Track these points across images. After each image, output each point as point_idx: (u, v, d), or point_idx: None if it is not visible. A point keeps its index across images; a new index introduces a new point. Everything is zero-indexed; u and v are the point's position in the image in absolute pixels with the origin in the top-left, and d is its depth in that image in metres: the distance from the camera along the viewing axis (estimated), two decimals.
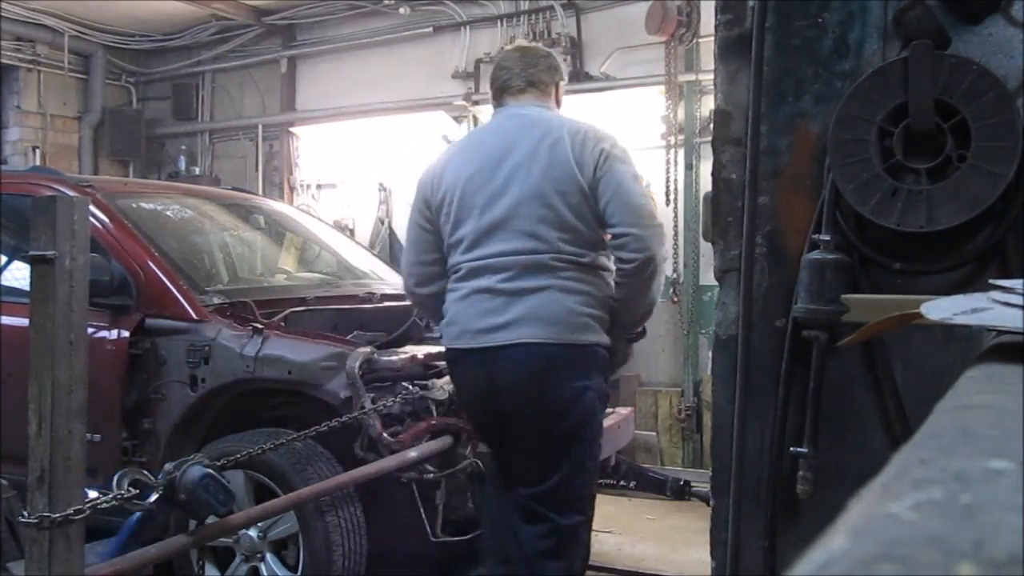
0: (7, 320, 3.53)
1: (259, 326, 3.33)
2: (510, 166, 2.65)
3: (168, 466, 2.54)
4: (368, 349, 3.19)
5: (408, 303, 3.41)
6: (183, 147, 8.28)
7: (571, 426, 2.63)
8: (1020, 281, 0.93)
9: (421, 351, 3.32)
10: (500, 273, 2.59)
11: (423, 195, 2.79)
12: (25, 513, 2.16)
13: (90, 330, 2.61)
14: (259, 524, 3.11)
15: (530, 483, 2.69)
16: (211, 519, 2.59)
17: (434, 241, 2.77)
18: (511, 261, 2.59)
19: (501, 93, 2.87)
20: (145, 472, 2.57)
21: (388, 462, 3.00)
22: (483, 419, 2.80)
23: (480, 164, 2.69)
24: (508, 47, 3.42)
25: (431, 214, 2.75)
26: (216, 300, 3.56)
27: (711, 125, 2.56)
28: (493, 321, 2.57)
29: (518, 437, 2.68)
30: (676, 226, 5.91)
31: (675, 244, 5.93)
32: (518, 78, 2.85)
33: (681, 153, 5.96)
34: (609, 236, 2.69)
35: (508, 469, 2.82)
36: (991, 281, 1.00)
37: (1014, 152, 1.87)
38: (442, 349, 3.35)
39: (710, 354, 3.81)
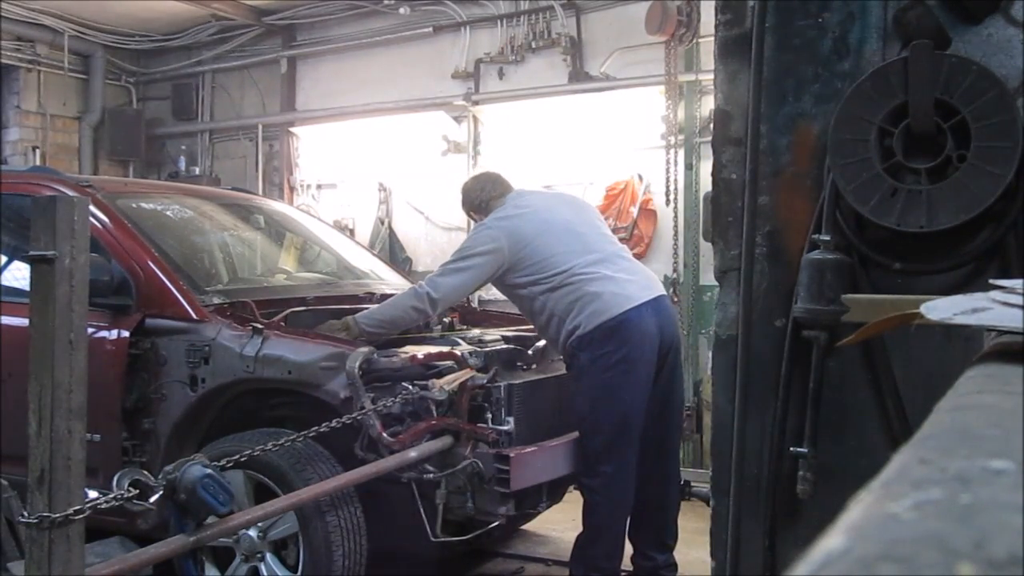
0: (7, 320, 3.53)
1: (259, 326, 3.33)
2: None
3: (168, 467, 2.54)
4: (368, 349, 3.19)
5: None
6: (183, 147, 8.28)
7: None
8: (1020, 281, 0.93)
9: (421, 351, 3.32)
10: None
11: None
12: (25, 513, 2.16)
13: (90, 330, 2.61)
14: (259, 524, 3.11)
15: None
16: (211, 519, 2.59)
17: None
18: None
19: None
20: (145, 472, 2.57)
21: (388, 462, 3.00)
22: None
23: None
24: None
25: None
26: (216, 300, 3.56)
27: (711, 125, 2.57)
28: None
29: None
30: (676, 226, 5.91)
31: (675, 244, 5.93)
32: None
33: (681, 153, 5.95)
34: None
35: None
36: (991, 281, 1.00)
37: (1014, 152, 1.87)
38: (442, 349, 3.37)
39: (710, 354, 3.81)
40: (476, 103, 6.82)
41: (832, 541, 0.34)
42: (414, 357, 3.23)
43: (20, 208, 3.69)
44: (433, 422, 3.10)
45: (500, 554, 4.29)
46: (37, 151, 7.64)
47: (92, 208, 3.18)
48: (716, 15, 2.31)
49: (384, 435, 3.05)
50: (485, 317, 4.56)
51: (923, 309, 0.89)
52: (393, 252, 7.02)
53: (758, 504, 2.18)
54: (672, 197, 5.92)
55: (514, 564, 4.19)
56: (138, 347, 3.44)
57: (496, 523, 3.39)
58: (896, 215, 1.97)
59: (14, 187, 3.87)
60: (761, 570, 2.17)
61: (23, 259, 3.60)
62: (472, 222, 3.87)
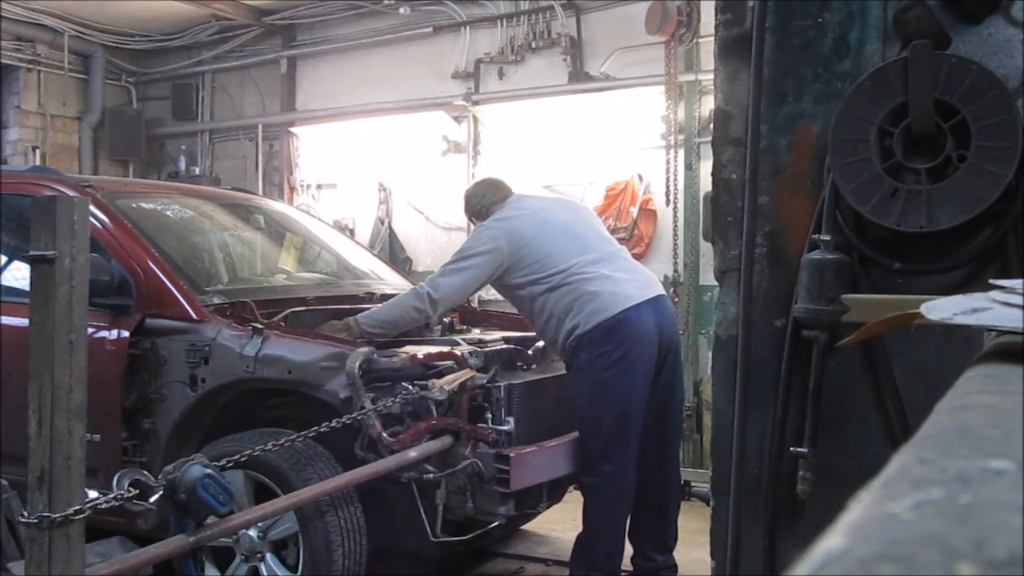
0: (7, 320, 3.52)
1: (259, 326, 3.33)
2: None
3: (168, 467, 2.54)
4: (368, 349, 3.19)
5: None
6: (183, 147, 8.28)
7: None
8: (1020, 281, 0.93)
9: (421, 351, 3.32)
10: None
11: None
12: (25, 513, 2.16)
13: (90, 330, 2.61)
14: (259, 524, 3.11)
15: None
16: (211, 519, 2.59)
17: None
18: None
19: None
20: (145, 472, 2.57)
21: (388, 462, 3.00)
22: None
23: None
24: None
25: None
26: (216, 300, 3.55)
27: (711, 125, 2.57)
28: None
29: None
30: (676, 226, 5.91)
31: (675, 244, 5.93)
32: None
33: (681, 153, 5.95)
34: None
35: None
36: (991, 281, 1.00)
37: (1014, 152, 1.87)
38: (442, 349, 3.37)
39: (710, 354, 3.81)
40: (476, 103, 6.82)
41: (832, 541, 0.34)
42: (414, 357, 3.23)
43: (20, 208, 3.69)
44: (433, 422, 3.10)
45: (500, 554, 4.29)
46: (37, 151, 7.64)
47: (92, 208, 3.18)
48: (716, 15, 2.31)
49: (384, 435, 3.05)
50: (485, 317, 4.56)
51: (923, 309, 0.89)
52: (393, 252, 7.02)
53: (758, 504, 2.18)
54: (672, 197, 5.92)
55: (514, 564, 4.19)
56: (138, 347, 3.44)
57: (496, 523, 3.39)
58: (896, 215, 1.97)
59: (14, 187, 3.87)
60: (761, 570, 2.17)
61: (23, 259, 3.60)
62: (473, 226, 3.88)
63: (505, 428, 3.23)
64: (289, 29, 7.80)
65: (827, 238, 2.02)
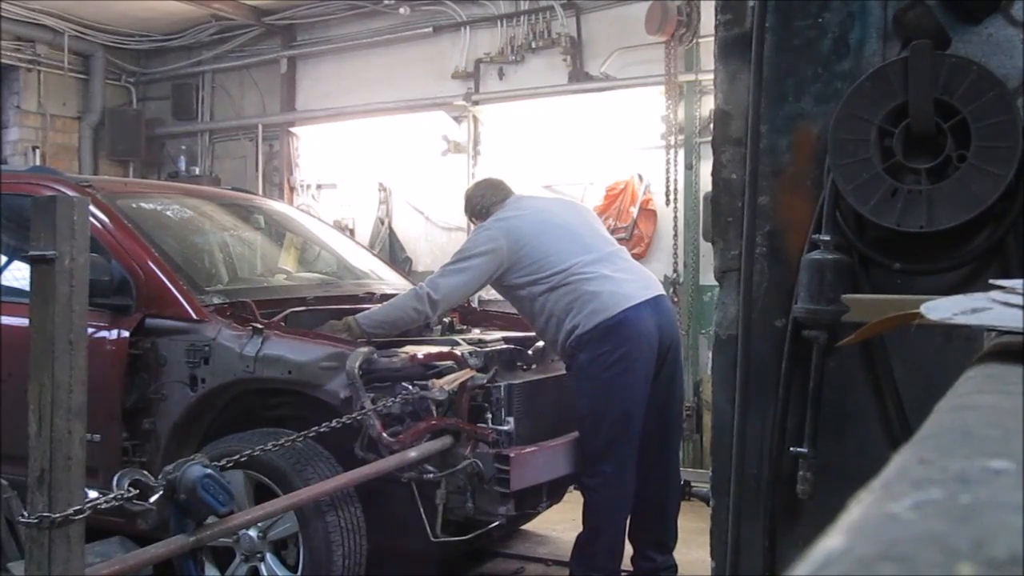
0: (7, 320, 3.52)
1: (259, 326, 3.33)
2: None
3: (168, 467, 2.54)
4: (368, 349, 3.19)
5: None
6: (183, 147, 8.27)
7: None
8: (1020, 281, 0.93)
9: (421, 351, 3.32)
10: None
11: None
12: (25, 513, 2.16)
13: (90, 330, 2.61)
14: (259, 524, 3.11)
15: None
16: (211, 519, 2.59)
17: None
18: None
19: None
20: (145, 472, 2.57)
21: (388, 462, 3.00)
22: None
23: None
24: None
25: None
26: (216, 300, 3.56)
27: (711, 125, 2.57)
28: None
29: None
30: (676, 226, 5.91)
31: (675, 244, 5.93)
32: None
33: (681, 153, 5.95)
34: None
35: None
36: (991, 281, 1.00)
37: (1014, 152, 1.87)
38: (442, 349, 3.37)
39: (710, 354, 3.81)
40: (476, 103, 6.82)
41: (832, 541, 0.34)
42: (414, 357, 3.23)
43: (20, 208, 3.69)
44: (433, 422, 3.10)
45: (500, 554, 4.29)
46: (37, 151, 7.64)
47: (92, 208, 3.18)
48: (716, 15, 2.31)
49: (384, 435, 3.05)
50: (485, 317, 4.56)
51: (923, 309, 0.89)
52: (393, 252, 7.02)
53: (758, 504, 2.18)
54: (672, 197, 5.92)
55: (514, 564, 4.19)
56: (138, 347, 3.44)
57: (496, 523, 3.39)
58: (896, 215, 1.97)
59: (14, 187, 3.87)
60: (761, 570, 2.17)
61: (23, 259, 3.60)
62: (473, 227, 3.88)
63: (505, 428, 3.24)
64: (289, 29, 7.80)
65: (827, 238, 2.02)
